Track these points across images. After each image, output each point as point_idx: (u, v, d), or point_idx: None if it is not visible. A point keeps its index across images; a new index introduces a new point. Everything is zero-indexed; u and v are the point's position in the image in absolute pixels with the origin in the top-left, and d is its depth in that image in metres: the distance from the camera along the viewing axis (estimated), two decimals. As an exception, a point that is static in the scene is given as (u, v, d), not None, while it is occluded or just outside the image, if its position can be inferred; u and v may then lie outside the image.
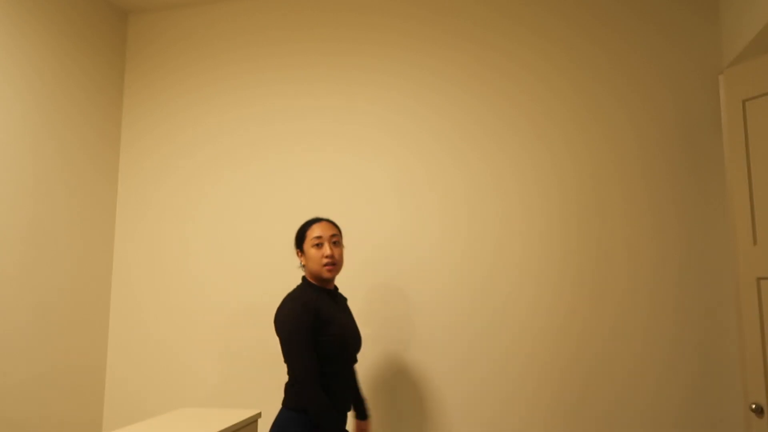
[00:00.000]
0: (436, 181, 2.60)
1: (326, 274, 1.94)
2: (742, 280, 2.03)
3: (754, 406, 1.94)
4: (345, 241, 2.65)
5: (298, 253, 2.02)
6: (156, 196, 2.95)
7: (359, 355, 2.50)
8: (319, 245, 1.95)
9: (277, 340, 2.67)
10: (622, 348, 2.33)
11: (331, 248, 1.95)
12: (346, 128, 2.74)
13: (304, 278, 2.02)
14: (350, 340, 1.93)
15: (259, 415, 2.14)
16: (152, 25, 3.09)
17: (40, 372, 2.49)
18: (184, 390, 2.76)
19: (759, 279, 1.98)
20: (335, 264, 1.96)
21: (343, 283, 2.60)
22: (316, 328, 1.84)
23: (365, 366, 2.56)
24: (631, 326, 2.33)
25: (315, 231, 1.97)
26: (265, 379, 2.67)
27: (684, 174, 2.35)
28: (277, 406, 2.61)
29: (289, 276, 2.70)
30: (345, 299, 2.13)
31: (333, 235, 1.98)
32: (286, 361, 1.86)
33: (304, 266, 2.00)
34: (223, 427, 1.91)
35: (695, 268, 2.30)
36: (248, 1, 2.96)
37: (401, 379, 2.52)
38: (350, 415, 2.11)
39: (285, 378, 2.64)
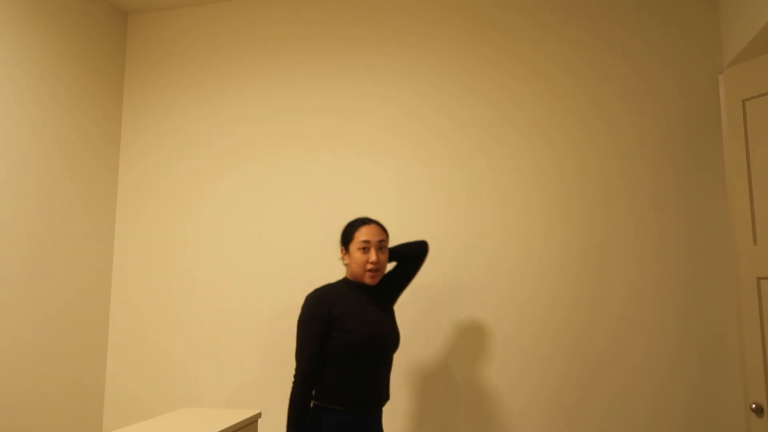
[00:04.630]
0: (435, 181, 2.60)
1: (368, 281, 1.92)
2: (742, 280, 2.03)
3: (754, 406, 1.94)
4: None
5: (342, 251, 1.98)
6: (156, 195, 2.95)
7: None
8: (365, 249, 1.90)
9: (275, 339, 2.68)
10: (621, 348, 2.33)
11: (377, 254, 1.91)
12: (348, 126, 2.73)
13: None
14: (377, 336, 1.87)
15: (259, 415, 2.14)
16: (152, 24, 3.09)
17: (39, 372, 2.49)
18: (184, 390, 2.76)
19: (759, 279, 1.98)
20: (378, 271, 1.92)
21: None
22: (330, 322, 1.84)
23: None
24: (630, 327, 2.33)
25: (363, 234, 1.92)
26: (265, 379, 2.67)
27: (684, 174, 2.35)
28: (277, 405, 2.63)
29: (290, 275, 2.70)
30: (384, 289, 2.05)
31: (380, 241, 1.93)
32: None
33: (346, 264, 1.97)
34: (223, 427, 1.91)
35: (695, 267, 2.30)
36: (247, 0, 2.96)
37: (402, 377, 2.52)
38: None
39: (285, 377, 2.64)
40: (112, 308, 2.92)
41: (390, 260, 2.04)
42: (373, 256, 1.90)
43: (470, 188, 2.55)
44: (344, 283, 1.96)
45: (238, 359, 2.71)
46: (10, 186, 2.38)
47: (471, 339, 2.47)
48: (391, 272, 2.06)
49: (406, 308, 2.55)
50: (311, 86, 2.81)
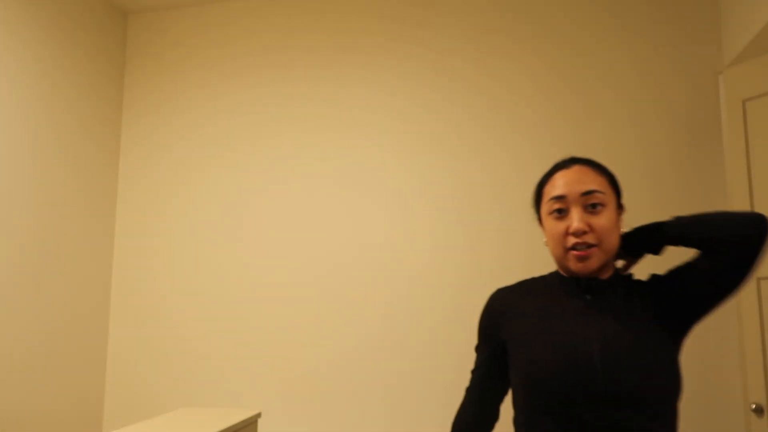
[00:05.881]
0: (426, 187, 2.60)
1: (575, 266, 1.07)
2: (742, 280, 2.03)
3: (754, 406, 1.94)
4: (349, 244, 2.65)
5: (539, 222, 1.19)
6: (157, 193, 2.94)
7: None
8: (560, 211, 1.09)
9: (276, 338, 2.68)
10: (622, 348, 2.33)
11: (581, 216, 1.07)
12: (353, 124, 2.73)
13: None
14: (571, 365, 1.02)
15: (259, 415, 2.14)
16: (152, 24, 3.09)
17: (39, 372, 2.49)
18: (185, 389, 2.76)
19: (759, 279, 1.98)
20: (593, 247, 1.06)
21: (341, 296, 2.60)
22: (503, 343, 1.18)
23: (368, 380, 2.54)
24: (631, 326, 2.33)
25: (555, 186, 1.12)
26: (266, 379, 2.66)
27: (684, 174, 2.35)
28: (277, 405, 2.63)
29: (291, 273, 2.70)
30: (643, 294, 1.15)
31: (587, 193, 1.08)
32: None
33: (546, 244, 1.16)
34: (223, 427, 1.91)
35: (695, 268, 2.30)
36: (248, 1, 2.96)
37: (391, 390, 2.52)
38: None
39: (285, 377, 2.64)
40: (112, 307, 2.92)
41: (677, 242, 1.12)
42: (574, 220, 1.06)
43: (469, 190, 2.55)
44: (549, 278, 1.20)
45: (238, 359, 2.71)
46: (10, 188, 2.38)
47: (472, 345, 2.47)
48: (681, 265, 1.14)
49: (401, 317, 2.55)
50: (312, 83, 2.81)
